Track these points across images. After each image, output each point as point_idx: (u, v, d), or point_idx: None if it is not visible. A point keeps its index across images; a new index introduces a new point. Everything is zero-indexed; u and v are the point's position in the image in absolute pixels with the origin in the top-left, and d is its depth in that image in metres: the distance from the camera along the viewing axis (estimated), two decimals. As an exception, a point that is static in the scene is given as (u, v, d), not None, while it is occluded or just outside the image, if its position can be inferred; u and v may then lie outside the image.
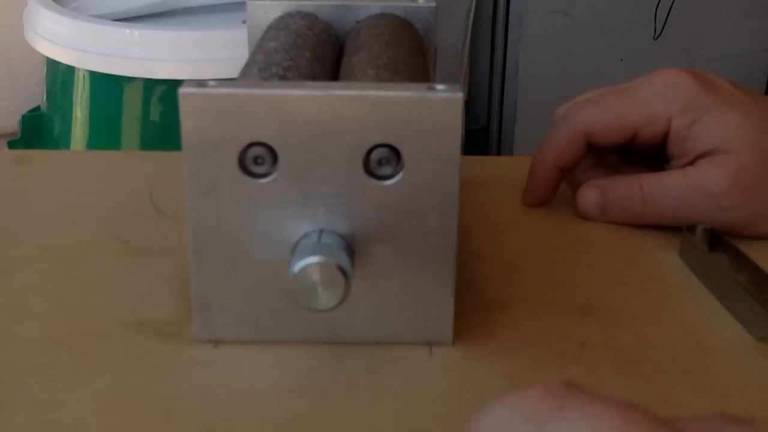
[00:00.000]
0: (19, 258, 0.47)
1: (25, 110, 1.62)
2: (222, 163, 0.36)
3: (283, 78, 0.40)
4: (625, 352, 0.40)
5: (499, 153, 2.02)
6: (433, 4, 0.49)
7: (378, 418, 0.35)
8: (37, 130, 1.56)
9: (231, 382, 0.37)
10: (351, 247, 0.37)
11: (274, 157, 0.36)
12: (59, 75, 1.46)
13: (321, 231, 0.37)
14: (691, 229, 0.48)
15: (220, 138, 0.36)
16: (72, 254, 0.48)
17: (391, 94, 0.35)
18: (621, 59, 1.96)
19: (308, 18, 0.48)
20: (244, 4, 0.49)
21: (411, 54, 0.44)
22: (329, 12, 0.49)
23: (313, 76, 0.42)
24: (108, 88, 1.40)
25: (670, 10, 1.94)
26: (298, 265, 0.35)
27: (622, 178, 0.51)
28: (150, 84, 1.37)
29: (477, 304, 0.43)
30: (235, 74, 0.42)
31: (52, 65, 1.46)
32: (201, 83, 0.36)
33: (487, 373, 0.38)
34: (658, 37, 1.97)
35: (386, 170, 0.36)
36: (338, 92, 0.35)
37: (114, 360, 0.39)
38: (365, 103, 0.35)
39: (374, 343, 0.39)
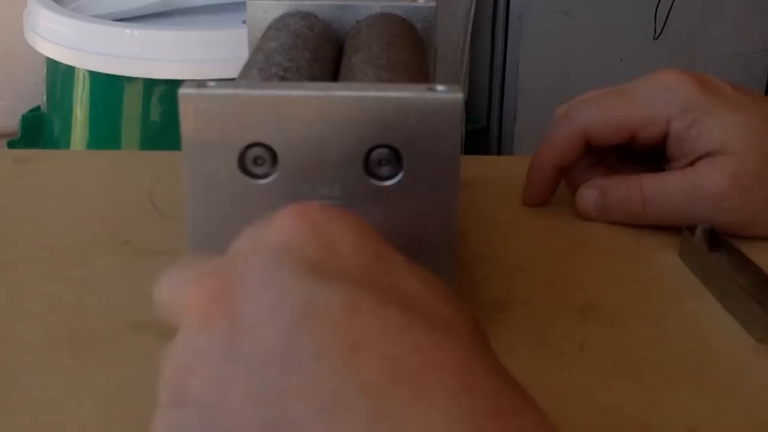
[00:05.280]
0: (19, 258, 0.47)
1: (25, 110, 1.62)
2: (222, 164, 0.36)
3: (283, 78, 0.40)
4: (624, 353, 0.40)
5: (499, 153, 2.01)
6: (433, 4, 0.49)
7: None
8: (37, 130, 1.56)
9: (231, 383, 0.37)
10: (351, 247, 0.37)
11: (274, 157, 0.36)
12: (59, 75, 1.46)
13: (321, 231, 0.37)
14: (691, 229, 0.48)
15: (220, 138, 0.36)
16: (72, 254, 0.48)
17: (391, 94, 0.35)
18: (621, 59, 1.96)
19: (308, 18, 0.47)
20: (244, 4, 0.49)
21: (411, 54, 0.44)
22: (329, 12, 0.49)
23: (313, 77, 0.41)
24: (108, 88, 1.40)
25: (670, 10, 1.94)
26: (298, 266, 0.35)
27: (621, 178, 0.51)
28: (150, 84, 1.37)
29: (477, 304, 0.43)
30: (235, 74, 0.42)
31: (52, 65, 1.46)
32: (201, 84, 0.36)
33: (487, 374, 0.38)
34: (658, 37, 1.97)
35: (386, 171, 0.36)
36: (338, 93, 0.35)
37: (114, 360, 0.39)
38: (365, 104, 0.35)
39: (374, 344, 0.39)
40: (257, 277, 0.25)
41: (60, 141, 1.49)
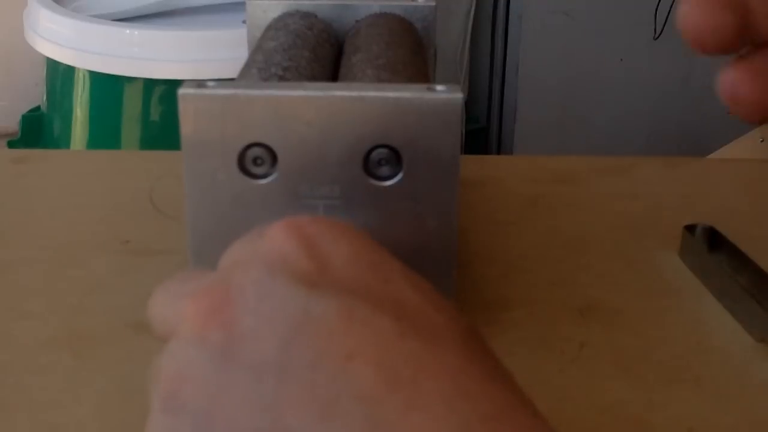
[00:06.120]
0: (19, 258, 0.47)
1: (25, 110, 1.62)
2: (221, 164, 0.36)
3: (282, 78, 0.40)
4: (624, 353, 0.40)
5: (499, 153, 2.01)
6: (433, 3, 0.49)
7: (378, 418, 0.35)
8: (37, 130, 1.56)
9: (231, 383, 0.37)
10: (351, 247, 0.37)
11: (273, 157, 0.36)
12: (59, 75, 1.46)
13: (321, 231, 0.37)
14: (691, 229, 0.48)
15: (219, 139, 0.36)
16: (72, 254, 0.48)
17: (391, 94, 0.35)
18: (621, 59, 1.96)
19: (308, 18, 0.47)
20: (244, 4, 0.49)
21: (410, 54, 0.44)
22: (328, 11, 0.49)
23: (313, 77, 0.41)
24: (108, 88, 1.40)
25: (670, 10, 1.94)
26: (298, 266, 0.34)
27: None
28: (150, 84, 1.37)
29: (477, 305, 0.43)
30: (234, 74, 0.42)
31: (52, 65, 1.46)
32: (200, 84, 0.36)
33: (487, 374, 0.38)
34: (658, 37, 1.97)
35: (386, 171, 0.36)
36: (338, 93, 0.35)
37: (114, 360, 0.39)
38: (365, 104, 0.35)
39: (374, 344, 0.39)
40: (253, 289, 0.25)
41: (60, 141, 1.49)
